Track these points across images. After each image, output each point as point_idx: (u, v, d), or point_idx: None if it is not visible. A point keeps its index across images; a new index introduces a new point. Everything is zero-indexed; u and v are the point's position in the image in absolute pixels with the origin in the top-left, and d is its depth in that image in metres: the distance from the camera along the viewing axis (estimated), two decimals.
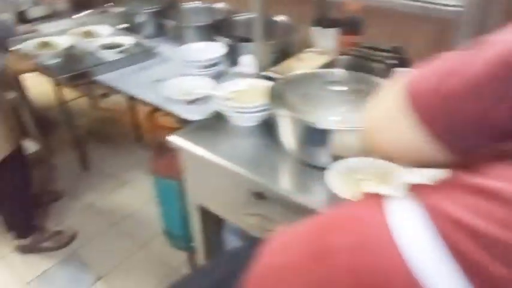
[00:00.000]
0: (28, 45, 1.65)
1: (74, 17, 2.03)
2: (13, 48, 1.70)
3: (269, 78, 1.32)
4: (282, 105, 0.98)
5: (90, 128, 2.90)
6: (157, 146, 1.72)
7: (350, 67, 1.24)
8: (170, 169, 1.68)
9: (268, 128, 1.14)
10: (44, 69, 1.54)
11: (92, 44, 1.70)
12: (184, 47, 1.54)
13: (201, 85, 1.37)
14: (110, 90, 3.18)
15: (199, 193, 1.23)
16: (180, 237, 1.90)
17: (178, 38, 1.75)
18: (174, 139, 1.14)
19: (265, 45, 1.33)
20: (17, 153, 1.68)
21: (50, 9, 2.12)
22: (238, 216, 1.09)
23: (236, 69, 1.46)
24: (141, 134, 2.76)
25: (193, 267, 1.71)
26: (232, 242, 1.54)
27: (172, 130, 1.65)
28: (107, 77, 1.55)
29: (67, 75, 1.50)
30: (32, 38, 1.73)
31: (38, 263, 1.87)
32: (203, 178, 1.16)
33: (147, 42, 1.74)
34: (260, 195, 1.00)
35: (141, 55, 1.67)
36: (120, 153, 2.64)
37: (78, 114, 3.02)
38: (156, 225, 2.06)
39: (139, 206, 2.21)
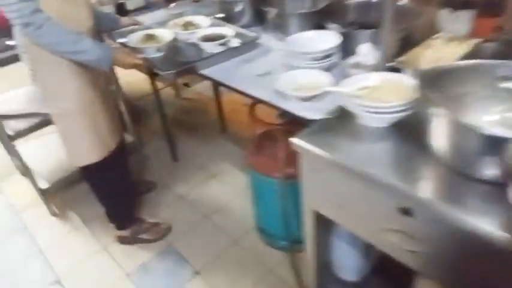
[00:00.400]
0: (133, 39, 1.63)
1: (169, 7, 2.00)
2: (120, 41, 1.70)
3: (395, 70, 1.17)
4: (435, 104, 0.83)
5: (176, 118, 2.92)
6: (256, 141, 1.64)
7: (500, 57, 1.04)
8: (271, 166, 1.59)
9: (406, 129, 0.99)
10: (150, 64, 1.51)
11: (193, 36, 1.64)
12: (292, 37, 1.42)
13: (318, 80, 1.25)
14: (191, 80, 3.24)
15: (319, 200, 1.12)
16: (277, 236, 1.82)
17: (280, 27, 1.64)
18: (298, 142, 1.03)
19: (394, 33, 1.17)
20: (120, 145, 1.70)
21: (146, 1, 2.11)
22: (373, 231, 0.97)
23: (351, 60, 1.31)
24: (225, 124, 2.72)
25: (295, 270, 1.63)
26: (340, 247, 1.42)
27: (273, 126, 1.57)
28: (211, 71, 1.48)
29: (175, 71, 1.44)
30: (135, 30, 1.72)
31: (137, 255, 1.90)
32: (327, 184, 1.05)
33: (248, 33, 1.65)
34: (407, 211, 0.86)
35: (243, 47, 1.58)
36: (206, 144, 2.63)
37: (164, 105, 3.06)
38: (247, 221, 2.01)
39: (229, 200, 2.17)
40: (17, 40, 1.39)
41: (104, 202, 1.83)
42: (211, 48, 1.57)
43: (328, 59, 1.34)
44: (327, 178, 1.04)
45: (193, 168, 2.43)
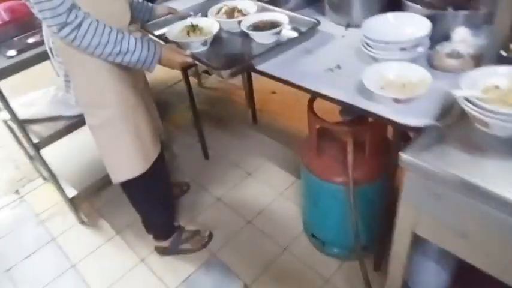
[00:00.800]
0: (174, 31, 1.41)
1: None
2: (157, 33, 1.47)
3: (510, 61, 0.96)
4: None
5: (201, 110, 2.71)
6: (313, 139, 1.44)
7: None
8: (334, 171, 1.41)
9: None
10: (199, 61, 1.29)
11: (240, 25, 1.42)
12: (368, 22, 1.21)
13: (409, 74, 1.04)
14: None
15: (425, 224, 0.94)
16: (333, 243, 1.66)
17: (339, 8, 1.42)
18: (409, 159, 0.83)
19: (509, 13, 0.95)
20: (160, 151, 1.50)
21: None
22: None
23: (445, 48, 1.10)
24: (256, 115, 2.51)
25: (366, 281, 1.46)
26: (423, 263, 1.25)
27: (337, 125, 1.37)
28: (269, 67, 1.27)
29: (234, 69, 1.23)
30: (173, 21, 1.49)
31: (179, 267, 1.74)
32: (445, 209, 0.86)
33: (304, 18, 1.43)
34: None
35: (302, 36, 1.36)
36: (237, 138, 2.43)
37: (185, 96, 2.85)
38: (294, 225, 1.84)
39: (270, 201, 1.99)
40: (48, 43, 1.18)
41: (141, 211, 1.65)
42: (264, 38, 1.36)
43: (415, 49, 1.13)
44: (446, 202, 0.85)
45: (227, 166, 2.25)
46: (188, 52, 1.28)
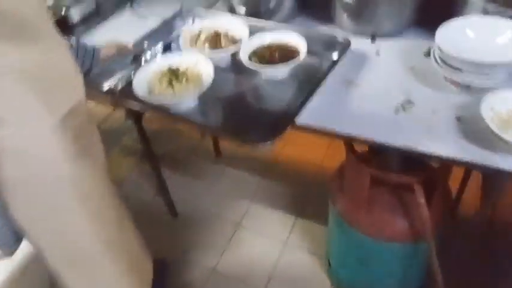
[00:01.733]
0: (142, 83, 0.91)
1: (135, 8, 1.26)
2: (107, 87, 0.95)
3: None
4: None
5: (142, 150, 2.17)
6: (360, 193, 1.09)
7: None
8: (389, 227, 1.08)
9: None
10: (205, 129, 0.83)
11: (240, 57, 0.98)
12: (443, 30, 0.87)
13: None
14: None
15: None
16: None
17: (357, 14, 1.06)
18: None
19: None
20: None
21: (96, 3, 1.33)
22: None
23: None
24: (219, 145, 2.06)
25: None
26: None
27: (400, 173, 1.03)
28: (309, 116, 0.87)
29: (275, 138, 0.78)
30: (124, 63, 0.99)
31: None
32: None
33: (324, 34, 1.04)
34: None
35: (334, 63, 0.97)
36: (203, 180, 1.97)
37: (119, 135, 2.27)
38: (320, 281, 1.49)
39: (276, 257, 1.60)
40: None
41: None
42: (278, 72, 0.95)
43: None
44: None
45: (206, 220, 1.79)
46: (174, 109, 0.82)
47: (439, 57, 0.85)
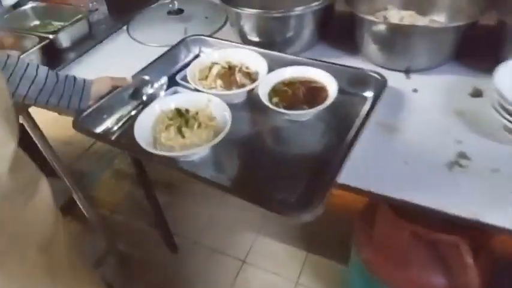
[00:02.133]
0: (143, 131, 0.77)
1: (129, 30, 1.11)
2: (99, 131, 0.80)
3: None
4: None
5: (127, 174, 2.01)
6: (398, 249, 0.96)
7: None
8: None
9: None
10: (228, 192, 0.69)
11: (259, 96, 0.84)
12: (499, 73, 0.74)
13: None
14: None
15: None
16: None
17: (389, 46, 0.93)
18: None
19: None
20: None
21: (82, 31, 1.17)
22: None
23: None
24: None
25: None
26: None
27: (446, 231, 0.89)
28: (346, 174, 0.72)
29: (315, 210, 0.63)
30: (121, 103, 0.84)
31: None
32: None
33: (348, 70, 0.90)
34: None
35: (373, 107, 0.83)
36: (202, 207, 1.82)
37: (112, 157, 2.11)
38: None
39: None
40: None
41: None
42: (303, 115, 0.81)
43: None
44: None
45: (208, 256, 1.64)
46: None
47: (498, 103, 0.72)
